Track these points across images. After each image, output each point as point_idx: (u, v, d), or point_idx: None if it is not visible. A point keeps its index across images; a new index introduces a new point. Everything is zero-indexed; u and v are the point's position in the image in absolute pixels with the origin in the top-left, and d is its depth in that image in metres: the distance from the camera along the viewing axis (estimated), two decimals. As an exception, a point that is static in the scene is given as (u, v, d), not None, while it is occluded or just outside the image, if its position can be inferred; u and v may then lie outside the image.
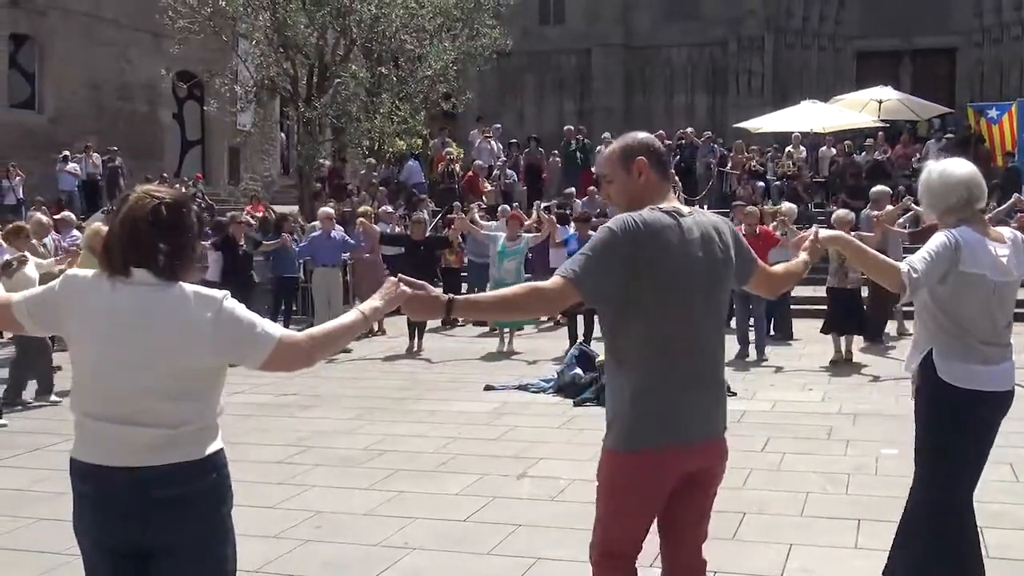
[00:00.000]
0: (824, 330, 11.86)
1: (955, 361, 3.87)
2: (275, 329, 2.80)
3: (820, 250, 3.81)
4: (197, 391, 2.76)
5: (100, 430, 2.73)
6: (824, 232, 3.86)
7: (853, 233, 11.02)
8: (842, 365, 11.33)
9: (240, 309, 2.76)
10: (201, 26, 22.08)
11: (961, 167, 3.93)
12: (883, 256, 4.01)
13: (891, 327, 13.43)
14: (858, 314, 11.83)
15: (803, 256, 3.76)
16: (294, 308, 15.51)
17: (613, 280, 3.03)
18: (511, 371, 11.31)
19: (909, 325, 13.10)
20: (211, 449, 2.79)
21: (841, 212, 12.10)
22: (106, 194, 23.95)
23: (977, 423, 3.94)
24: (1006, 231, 4.05)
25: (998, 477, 6.06)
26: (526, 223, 14.79)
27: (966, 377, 3.86)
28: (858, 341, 12.08)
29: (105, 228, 10.59)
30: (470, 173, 22.46)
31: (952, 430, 3.94)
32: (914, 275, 3.71)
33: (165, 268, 2.73)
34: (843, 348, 11.57)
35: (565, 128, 25.23)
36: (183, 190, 23.00)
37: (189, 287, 2.75)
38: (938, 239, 3.83)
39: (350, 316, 2.93)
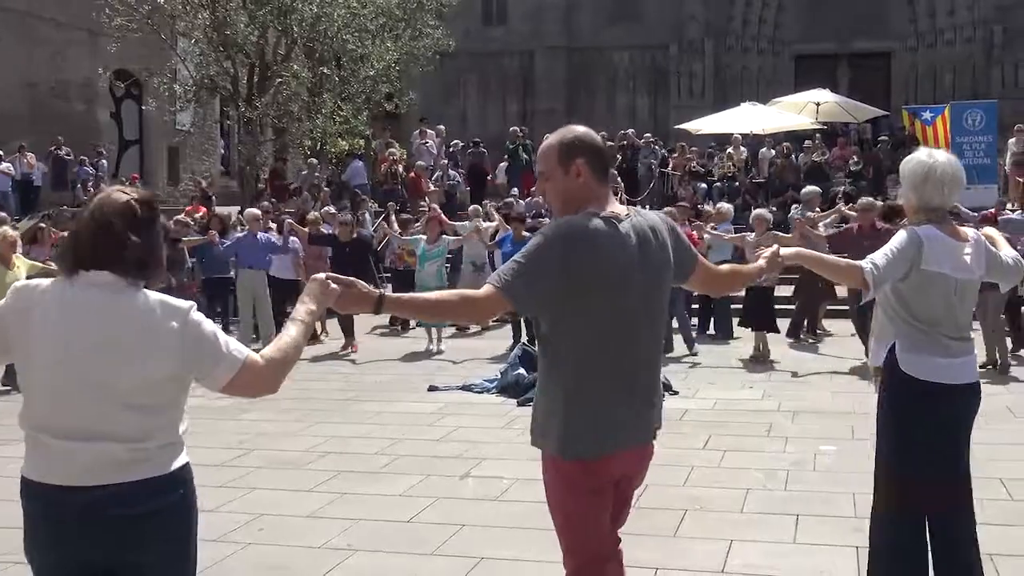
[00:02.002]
0: (741, 323, 12.40)
1: (917, 354, 3.91)
2: (240, 351, 2.71)
3: (780, 263, 3.84)
4: (161, 404, 2.67)
5: (57, 447, 2.61)
6: (785, 250, 3.91)
7: (770, 232, 11.38)
8: (760, 361, 11.61)
9: (207, 324, 2.69)
10: (139, 24, 21.79)
11: (954, 168, 3.97)
12: (842, 259, 4.13)
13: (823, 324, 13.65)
14: (772, 312, 12.03)
15: (761, 262, 3.76)
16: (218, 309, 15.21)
17: (545, 287, 2.98)
18: (454, 372, 11.31)
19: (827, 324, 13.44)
20: (176, 464, 2.71)
21: (760, 211, 12.45)
22: (51, 187, 23.70)
23: (938, 418, 3.94)
24: (970, 231, 4.13)
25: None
26: (486, 227, 14.85)
27: (929, 370, 3.90)
28: (779, 339, 12.32)
29: (13, 233, 10.39)
30: (413, 174, 22.41)
31: (914, 425, 3.94)
32: (876, 272, 3.82)
33: (133, 270, 2.65)
34: (761, 344, 11.88)
35: (511, 129, 25.26)
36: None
37: (154, 295, 2.67)
38: (900, 237, 3.92)
39: (293, 329, 2.83)
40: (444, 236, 13.86)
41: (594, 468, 3.11)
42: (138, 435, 2.63)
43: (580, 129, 3.22)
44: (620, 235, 3.07)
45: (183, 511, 2.74)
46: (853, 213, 12.09)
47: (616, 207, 3.16)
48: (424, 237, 13.83)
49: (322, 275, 3.00)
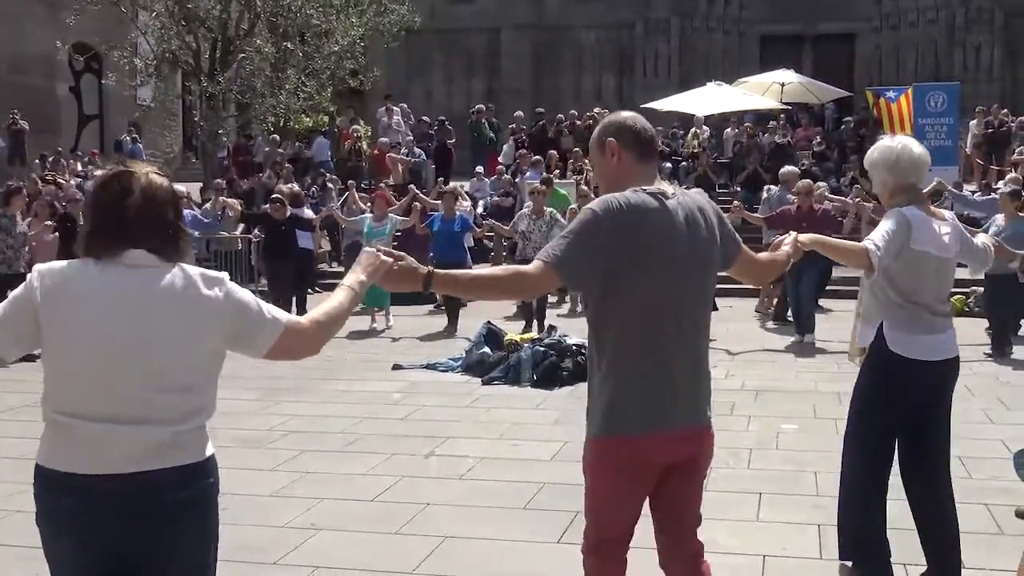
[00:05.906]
0: None
1: (904, 333, 4.08)
2: (281, 314, 2.69)
3: (800, 249, 3.91)
4: (201, 381, 2.62)
5: (93, 433, 2.50)
6: (803, 236, 4.01)
7: None
8: None
9: (245, 292, 2.66)
10: (99, -4, 21.43)
11: (920, 148, 4.18)
12: (848, 242, 4.39)
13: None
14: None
15: (787, 249, 3.79)
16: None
17: (594, 262, 2.97)
18: (419, 351, 11.29)
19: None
20: (208, 451, 2.66)
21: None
22: (7, 161, 23.33)
23: (915, 394, 4.14)
24: (946, 212, 4.34)
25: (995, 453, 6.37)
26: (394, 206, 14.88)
27: (915, 349, 4.07)
28: (745, 319, 12.37)
29: None
30: (377, 151, 22.24)
31: (892, 401, 4.13)
32: (879, 252, 3.99)
33: (170, 248, 2.60)
34: None
35: (477, 107, 25.11)
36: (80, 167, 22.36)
37: (191, 268, 2.61)
38: (892, 219, 4.08)
39: (342, 294, 2.81)
40: (391, 215, 13.82)
41: (634, 446, 3.06)
42: (177, 417, 2.55)
43: (624, 113, 3.25)
44: (668, 210, 3.05)
45: (212, 499, 2.69)
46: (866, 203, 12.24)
47: (663, 185, 3.14)
48: (369, 216, 13.77)
49: (373, 248, 2.99)
